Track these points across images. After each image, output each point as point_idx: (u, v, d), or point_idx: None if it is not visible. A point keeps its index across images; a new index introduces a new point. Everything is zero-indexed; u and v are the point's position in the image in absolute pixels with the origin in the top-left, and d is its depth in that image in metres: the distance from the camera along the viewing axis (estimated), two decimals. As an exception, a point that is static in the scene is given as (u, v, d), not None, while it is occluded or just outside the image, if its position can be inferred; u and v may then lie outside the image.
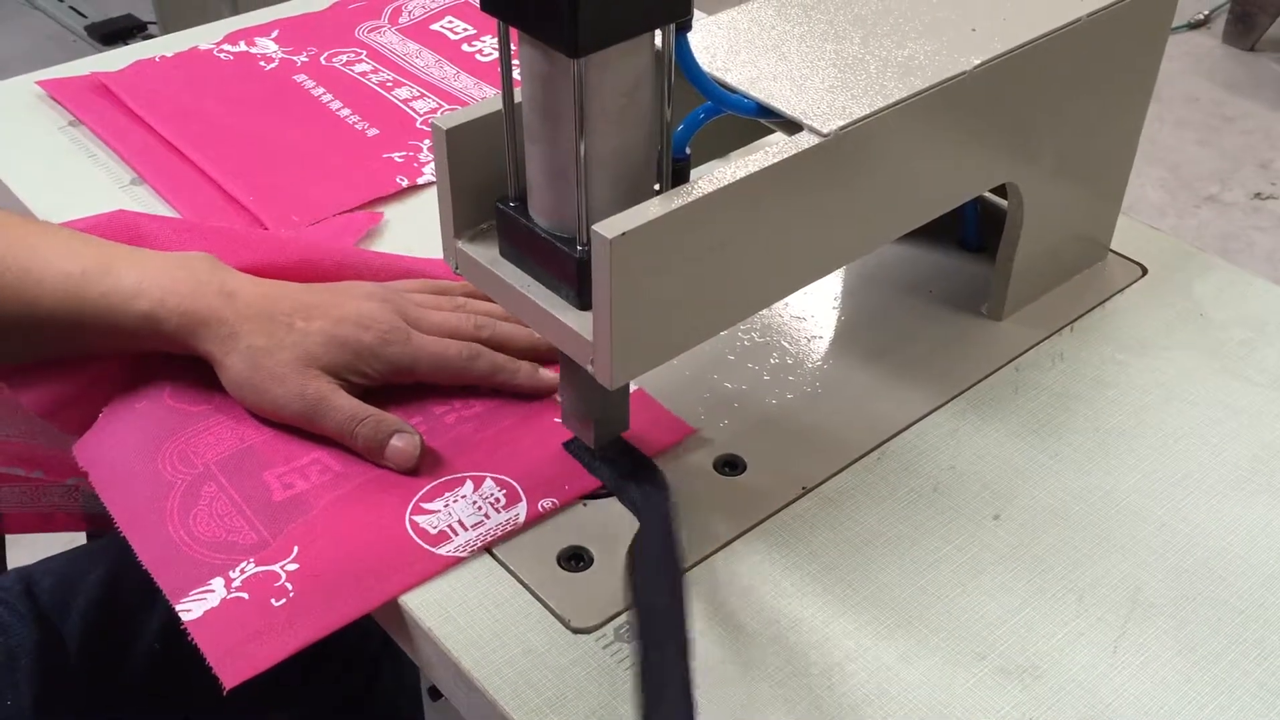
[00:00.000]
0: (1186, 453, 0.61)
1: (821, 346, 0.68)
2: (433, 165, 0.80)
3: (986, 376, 0.65)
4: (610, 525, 0.56)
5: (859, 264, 0.73)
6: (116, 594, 0.75)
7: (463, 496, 0.56)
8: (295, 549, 0.54)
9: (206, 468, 0.58)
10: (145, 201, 0.77)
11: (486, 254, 0.53)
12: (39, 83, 0.89)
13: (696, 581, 0.54)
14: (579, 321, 0.50)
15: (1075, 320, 0.69)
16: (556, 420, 0.60)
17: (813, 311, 0.70)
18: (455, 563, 0.54)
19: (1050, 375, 0.65)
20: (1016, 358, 0.66)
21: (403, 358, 0.60)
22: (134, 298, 0.58)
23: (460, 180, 0.52)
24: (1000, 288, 0.68)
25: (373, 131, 0.84)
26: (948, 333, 0.68)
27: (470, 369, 0.61)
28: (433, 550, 0.54)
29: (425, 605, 0.52)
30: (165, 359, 0.62)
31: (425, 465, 0.58)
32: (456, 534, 0.55)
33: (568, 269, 0.49)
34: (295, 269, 0.66)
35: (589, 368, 0.49)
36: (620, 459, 0.58)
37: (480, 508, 0.56)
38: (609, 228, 0.45)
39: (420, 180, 0.79)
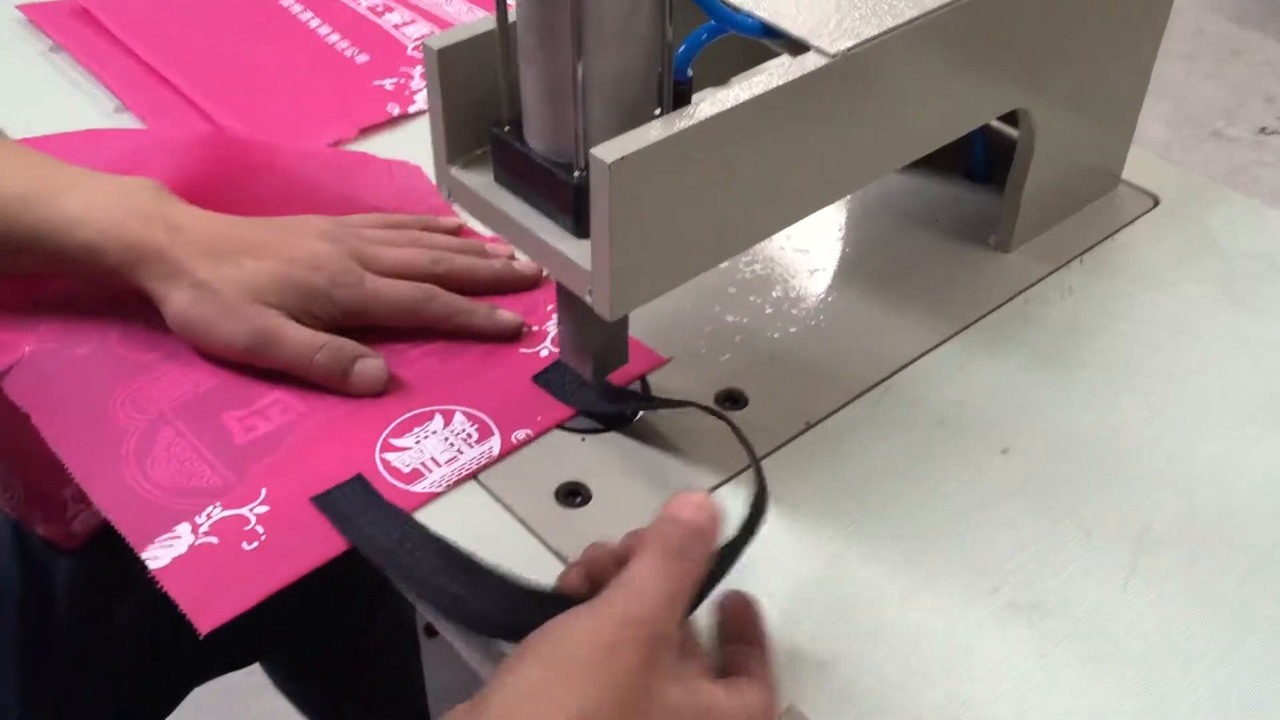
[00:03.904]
0: (1197, 387, 0.60)
1: (825, 279, 0.66)
2: (424, 94, 0.78)
3: (994, 309, 0.64)
4: (608, 461, 0.55)
5: (863, 194, 0.72)
6: (110, 539, 0.74)
7: (433, 432, 0.55)
8: (263, 491, 0.52)
9: (161, 413, 0.56)
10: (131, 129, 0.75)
11: (480, 181, 0.51)
12: (19, 7, 0.86)
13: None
14: (576, 250, 0.48)
15: (1085, 252, 0.67)
16: (523, 351, 0.59)
17: (816, 243, 0.68)
18: (430, 498, 0.52)
19: (1059, 308, 0.64)
20: (1025, 290, 0.65)
21: (355, 302, 0.57)
22: (76, 226, 0.56)
23: (453, 104, 0.50)
24: (1009, 218, 0.66)
25: (362, 58, 0.81)
26: (954, 264, 0.67)
27: (425, 311, 0.59)
28: (407, 488, 0.52)
29: (420, 542, 0.51)
30: (109, 302, 0.59)
31: (391, 398, 0.56)
32: (430, 470, 0.53)
33: (564, 195, 0.48)
34: (245, 187, 0.64)
35: (587, 298, 0.48)
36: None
37: (452, 443, 0.54)
38: (608, 151, 0.44)
39: (412, 109, 0.77)
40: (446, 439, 0.54)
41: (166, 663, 0.77)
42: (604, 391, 0.56)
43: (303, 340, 0.55)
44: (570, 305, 0.54)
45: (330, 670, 0.95)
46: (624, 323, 0.56)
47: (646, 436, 0.56)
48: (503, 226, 0.51)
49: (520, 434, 0.55)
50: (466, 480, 0.53)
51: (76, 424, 0.55)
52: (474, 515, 0.52)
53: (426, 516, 0.52)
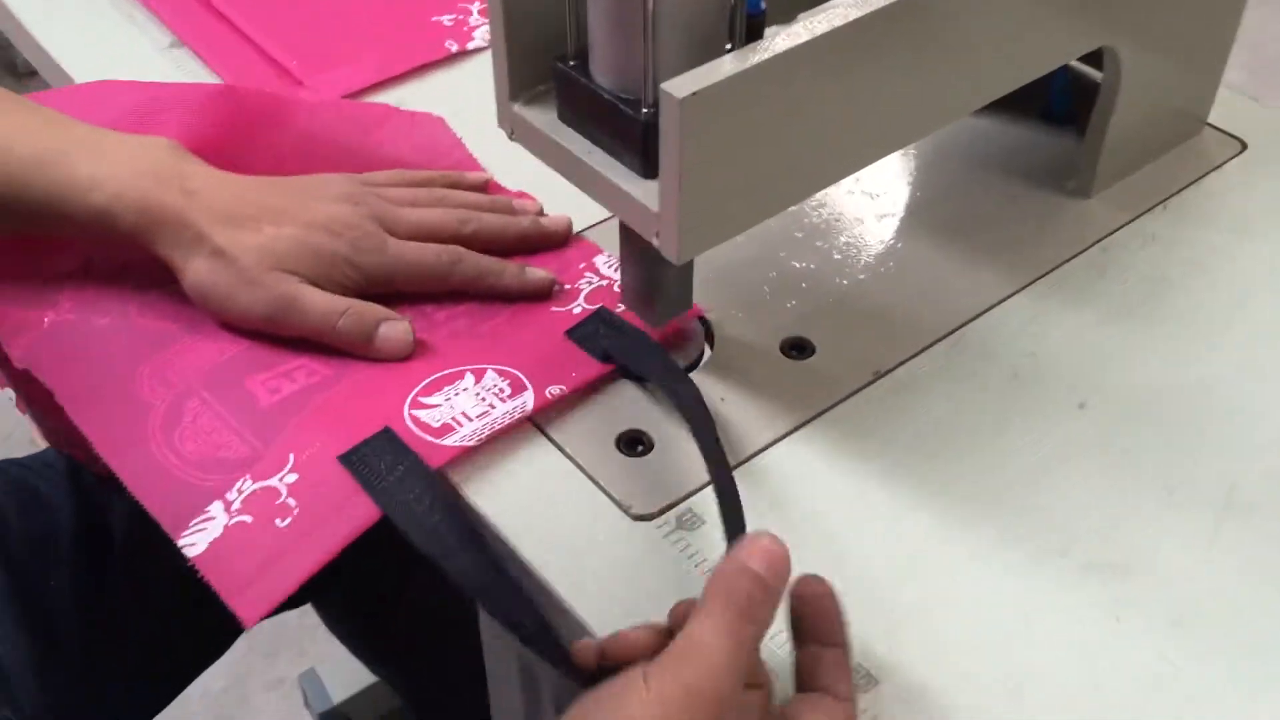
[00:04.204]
0: (1287, 341, 0.57)
1: (895, 225, 0.64)
2: (483, 30, 0.76)
3: (1072, 258, 0.61)
4: (670, 409, 0.54)
5: (934, 135, 0.69)
6: None
7: (464, 389, 0.53)
8: (291, 457, 0.50)
9: (187, 386, 0.54)
10: (185, 65, 0.74)
11: (544, 118, 0.50)
12: (73, -59, 0.85)
13: (761, 469, 0.52)
14: (643, 190, 0.46)
15: (1169, 198, 0.64)
16: (555, 309, 0.57)
17: (886, 187, 0.66)
18: (463, 452, 0.50)
19: (1141, 257, 0.61)
20: (1105, 238, 0.62)
21: (379, 268, 0.56)
22: (89, 190, 0.54)
23: (516, 37, 0.48)
24: (1090, 162, 0.63)
25: (420, -7, 0.79)
26: (1030, 210, 0.64)
27: (453, 274, 0.57)
28: (437, 442, 0.50)
29: (480, 490, 0.50)
30: (127, 270, 0.58)
31: (420, 359, 0.54)
32: (461, 425, 0.51)
33: (632, 133, 0.46)
34: (261, 144, 0.62)
35: (654, 240, 0.46)
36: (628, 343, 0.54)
37: (484, 398, 0.52)
38: (678, 86, 0.42)
39: (470, 46, 0.75)
40: (478, 394, 0.52)
41: (221, 601, 0.77)
42: (639, 345, 0.54)
43: (325, 306, 0.54)
44: (634, 247, 0.53)
45: (381, 612, 0.95)
46: (689, 267, 0.54)
47: (709, 384, 0.55)
48: (566, 166, 0.49)
49: (554, 389, 0.53)
50: (499, 436, 0.51)
51: (101, 400, 0.54)
52: (535, 464, 0.51)
53: (487, 466, 0.51)
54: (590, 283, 0.58)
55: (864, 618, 0.46)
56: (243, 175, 0.57)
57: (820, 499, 0.51)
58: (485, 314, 0.57)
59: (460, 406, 0.52)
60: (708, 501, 0.50)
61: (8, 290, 0.59)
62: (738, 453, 0.52)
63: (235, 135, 0.61)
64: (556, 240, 0.60)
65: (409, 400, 0.52)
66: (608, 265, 0.59)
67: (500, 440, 0.52)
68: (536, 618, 0.44)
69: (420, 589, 0.92)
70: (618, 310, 0.56)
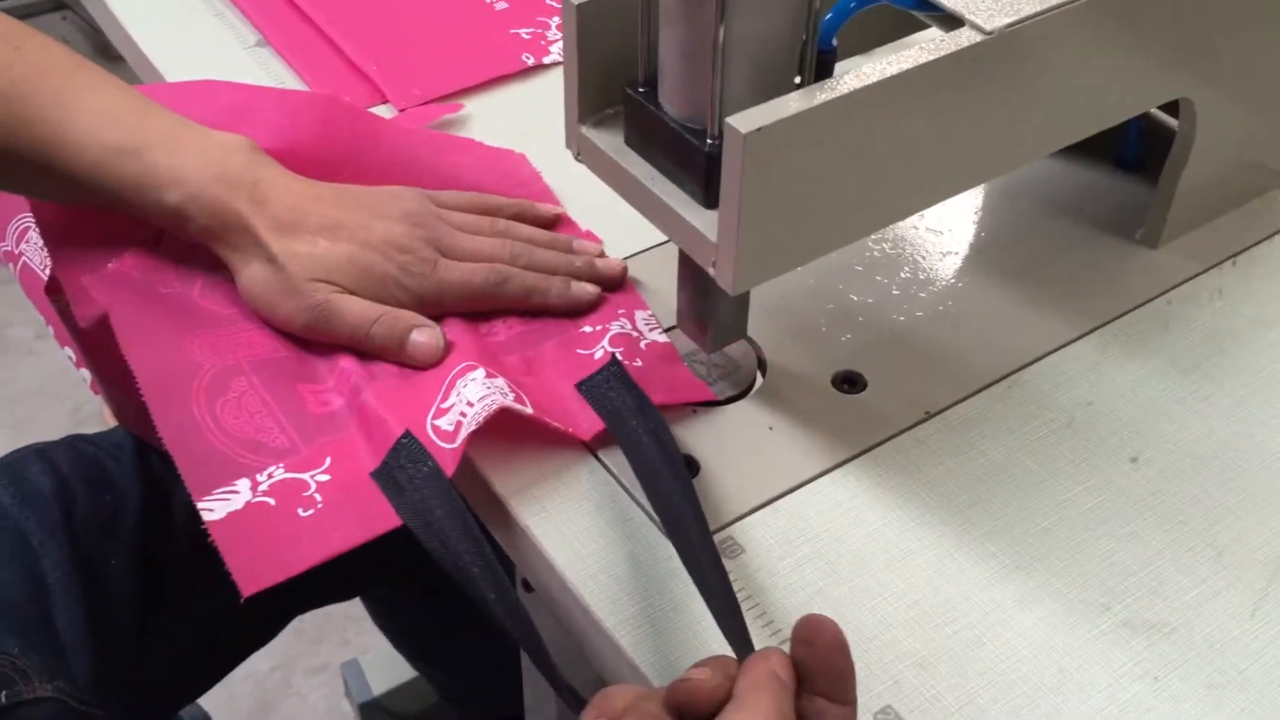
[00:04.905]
0: (1352, 407, 0.56)
1: (956, 263, 0.64)
2: (560, 45, 0.77)
3: (1135, 308, 0.61)
4: (718, 434, 0.54)
5: (1003, 176, 0.69)
6: None
7: (473, 380, 0.53)
8: (328, 460, 0.51)
9: (237, 362, 0.55)
10: (269, 64, 0.76)
11: (610, 141, 0.50)
12: (170, -63, 0.87)
13: (805, 502, 0.52)
14: (703, 220, 0.47)
15: (1239, 253, 0.63)
16: (580, 352, 0.57)
17: (950, 225, 0.66)
18: (466, 445, 0.50)
19: (1206, 311, 0.60)
20: (1170, 290, 0.62)
21: (428, 290, 0.57)
22: (165, 188, 0.56)
23: (588, 61, 0.49)
24: (1160, 212, 0.62)
25: (501, 4, 0.81)
26: (1096, 257, 0.63)
27: (500, 294, 0.58)
28: (448, 446, 0.50)
29: (530, 510, 0.51)
30: (195, 249, 0.59)
31: (448, 367, 0.55)
32: (465, 416, 0.51)
33: (696, 163, 0.46)
34: (346, 155, 0.63)
35: (710, 270, 0.47)
36: (633, 405, 0.54)
37: (489, 389, 0.52)
38: (744, 121, 0.42)
39: (546, 59, 0.76)
40: (485, 385, 0.52)
41: (273, 589, 0.79)
42: (640, 405, 0.53)
43: (359, 314, 0.55)
44: (691, 273, 0.53)
45: (426, 610, 0.97)
46: (745, 295, 0.54)
47: (758, 412, 0.55)
48: (629, 190, 0.50)
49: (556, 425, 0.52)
50: (496, 414, 0.50)
51: (153, 346, 0.55)
52: (583, 486, 0.52)
53: (538, 486, 0.52)
54: (623, 327, 0.58)
55: (900, 655, 0.47)
56: (315, 181, 0.59)
57: (862, 535, 0.51)
58: (521, 345, 0.57)
59: (467, 397, 0.52)
60: (749, 529, 0.51)
61: (77, 253, 0.60)
62: (782, 483, 0.52)
63: (323, 143, 0.63)
64: (608, 284, 0.60)
65: (432, 410, 0.53)
66: (644, 320, 0.59)
67: (552, 462, 0.52)
68: (533, 631, 0.46)
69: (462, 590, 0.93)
70: (633, 364, 0.56)
